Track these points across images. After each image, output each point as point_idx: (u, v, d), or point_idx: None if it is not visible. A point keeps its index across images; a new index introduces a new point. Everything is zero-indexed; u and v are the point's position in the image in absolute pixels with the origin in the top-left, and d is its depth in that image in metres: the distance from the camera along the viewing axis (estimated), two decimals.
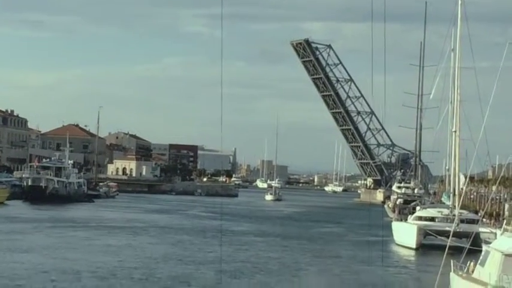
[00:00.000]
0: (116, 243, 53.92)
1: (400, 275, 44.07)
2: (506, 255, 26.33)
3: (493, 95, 30.60)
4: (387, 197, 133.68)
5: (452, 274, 29.24)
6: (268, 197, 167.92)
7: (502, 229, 29.38)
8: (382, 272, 43.90)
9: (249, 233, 68.74)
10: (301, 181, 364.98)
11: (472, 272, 28.13)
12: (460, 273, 28.56)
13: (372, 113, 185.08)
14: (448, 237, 36.34)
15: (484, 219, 63.33)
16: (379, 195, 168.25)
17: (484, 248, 28.43)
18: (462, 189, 60.96)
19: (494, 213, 72.72)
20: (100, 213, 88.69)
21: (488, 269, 26.75)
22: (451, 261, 29.36)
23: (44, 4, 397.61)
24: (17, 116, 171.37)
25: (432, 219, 60.20)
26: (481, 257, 27.95)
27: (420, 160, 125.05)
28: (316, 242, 63.58)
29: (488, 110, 30.56)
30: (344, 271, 44.10)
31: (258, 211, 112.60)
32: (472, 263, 28.47)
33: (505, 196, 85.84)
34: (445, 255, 25.14)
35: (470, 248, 31.31)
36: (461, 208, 64.30)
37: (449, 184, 67.13)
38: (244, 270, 41.25)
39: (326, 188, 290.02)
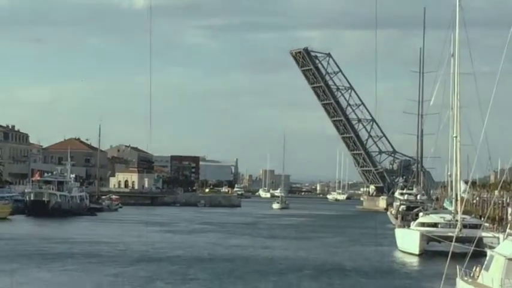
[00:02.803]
0: None
1: (404, 281, 44.18)
2: (510, 259, 26.40)
3: (493, 100, 30.64)
4: (390, 204, 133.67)
5: (458, 279, 29.28)
6: (276, 206, 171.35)
7: (506, 233, 29.43)
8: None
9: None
10: (304, 190, 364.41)
11: (477, 277, 28.19)
12: (466, 278, 28.61)
13: (373, 120, 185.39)
14: (451, 242, 36.35)
15: (487, 224, 63.34)
16: (381, 202, 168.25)
17: (488, 252, 28.48)
18: (463, 196, 60.87)
19: (497, 217, 72.73)
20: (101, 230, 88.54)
21: (492, 273, 26.81)
22: (457, 266, 29.40)
23: (42, 18, 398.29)
24: (18, 131, 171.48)
25: (435, 225, 60.23)
26: (485, 262, 28.01)
27: (422, 166, 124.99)
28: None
29: (488, 114, 30.60)
30: None
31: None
32: (477, 268, 28.52)
33: (508, 200, 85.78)
34: (448, 261, 25.19)
35: (474, 253, 31.35)
36: (464, 213, 64.34)
37: (451, 190, 67.19)
38: None
39: (329, 196, 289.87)
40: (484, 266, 27.91)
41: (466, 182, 61.61)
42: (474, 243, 30.76)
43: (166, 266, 47.36)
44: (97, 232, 79.40)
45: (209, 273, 44.47)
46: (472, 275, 28.60)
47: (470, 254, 28.87)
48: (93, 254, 54.02)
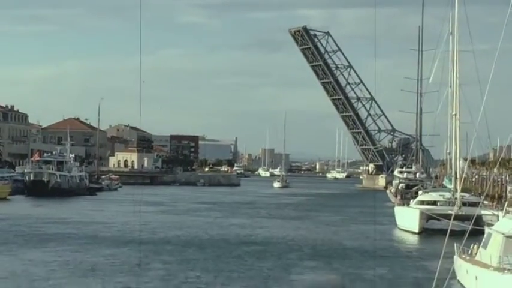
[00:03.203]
0: None
1: (403, 259, 44.33)
2: (508, 236, 26.49)
3: (492, 77, 30.56)
4: (389, 182, 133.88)
5: (456, 257, 29.37)
6: (276, 185, 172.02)
7: (504, 211, 29.53)
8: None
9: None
10: (303, 169, 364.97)
11: (475, 254, 28.28)
12: (464, 255, 28.70)
13: (372, 98, 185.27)
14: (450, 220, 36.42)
15: (486, 202, 63.46)
16: (381, 181, 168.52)
17: (486, 230, 28.57)
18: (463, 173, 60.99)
19: (496, 195, 72.93)
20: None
21: (490, 250, 26.89)
22: (455, 244, 29.47)
23: None
24: (17, 111, 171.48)
25: (434, 203, 60.34)
26: (483, 240, 28.09)
27: (421, 144, 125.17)
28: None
29: (486, 92, 30.54)
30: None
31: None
32: (475, 246, 28.60)
33: (507, 178, 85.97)
34: (446, 238, 25.23)
35: (473, 231, 31.38)
36: (464, 191, 64.47)
37: (451, 168, 67.26)
38: None
39: (328, 175, 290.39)
40: (482, 244, 27.99)
41: (465, 160, 61.71)
42: (473, 221, 30.80)
43: (163, 246, 47.20)
44: (95, 212, 79.45)
45: (207, 253, 44.48)
46: (470, 252, 28.69)
47: (468, 232, 28.95)
48: (88, 235, 53.84)
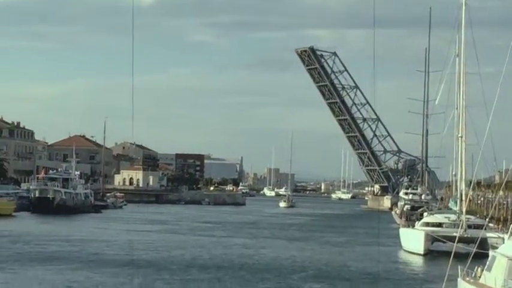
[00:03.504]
0: None
1: (407, 281, 44.12)
2: None
3: (497, 100, 30.54)
4: (394, 204, 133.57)
5: (459, 280, 29.20)
6: (282, 204, 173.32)
7: (509, 234, 29.35)
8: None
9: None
10: (308, 189, 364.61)
11: (479, 277, 28.09)
12: (468, 278, 28.52)
13: (378, 119, 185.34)
14: (455, 242, 36.26)
15: (492, 224, 63.21)
16: (386, 202, 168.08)
17: (491, 253, 28.39)
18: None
19: (501, 218, 72.66)
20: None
21: (494, 274, 26.71)
22: (459, 267, 29.30)
23: (48, 15, 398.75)
24: (24, 127, 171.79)
25: (439, 225, 60.11)
26: (487, 262, 27.91)
27: (427, 166, 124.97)
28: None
29: (491, 115, 30.50)
30: None
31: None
32: (479, 269, 28.41)
33: None
34: (450, 261, 25.11)
35: (478, 253, 31.22)
36: (469, 214, 64.22)
37: (456, 190, 67.06)
38: None
39: (333, 195, 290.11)
40: (486, 267, 27.81)
41: (470, 182, 61.46)
42: (477, 244, 30.65)
43: (165, 266, 47.02)
44: (100, 230, 79.33)
45: (210, 273, 44.25)
46: (473, 275, 28.50)
47: (473, 255, 28.78)
48: (90, 254, 53.71)
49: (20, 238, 63.70)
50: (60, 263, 47.34)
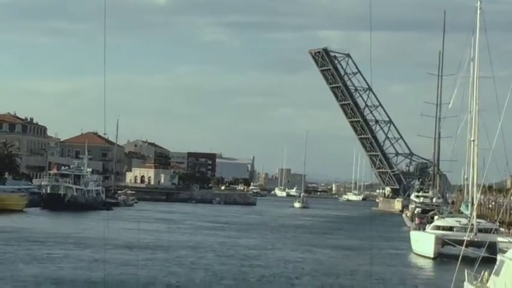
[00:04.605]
0: None
1: (417, 285, 44.03)
2: None
3: (508, 104, 30.38)
4: (405, 206, 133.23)
5: (466, 284, 29.07)
6: (297, 205, 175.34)
7: None
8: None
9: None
10: (320, 190, 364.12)
11: (487, 281, 27.96)
12: (475, 282, 28.40)
13: (390, 121, 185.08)
14: (466, 246, 36.15)
15: (503, 229, 63.00)
16: (397, 205, 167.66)
17: (499, 257, 28.24)
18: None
19: None
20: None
21: (502, 278, 26.58)
22: (465, 270, 29.19)
23: (63, 12, 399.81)
24: (37, 123, 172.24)
25: (450, 228, 59.92)
26: (495, 267, 27.77)
27: (438, 169, 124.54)
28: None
29: (501, 118, 30.35)
30: None
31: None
32: (486, 273, 28.27)
33: None
34: (458, 265, 25.00)
35: (487, 258, 31.07)
36: (480, 218, 63.97)
37: (468, 193, 66.84)
38: None
39: (342, 197, 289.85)
40: (494, 271, 27.67)
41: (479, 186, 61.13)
42: (485, 248, 30.53)
43: (169, 266, 46.93)
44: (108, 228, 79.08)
45: (216, 274, 44.11)
46: (480, 279, 28.37)
47: (481, 259, 28.66)
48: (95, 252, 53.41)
49: (31, 234, 63.67)
50: (61, 261, 47.27)
